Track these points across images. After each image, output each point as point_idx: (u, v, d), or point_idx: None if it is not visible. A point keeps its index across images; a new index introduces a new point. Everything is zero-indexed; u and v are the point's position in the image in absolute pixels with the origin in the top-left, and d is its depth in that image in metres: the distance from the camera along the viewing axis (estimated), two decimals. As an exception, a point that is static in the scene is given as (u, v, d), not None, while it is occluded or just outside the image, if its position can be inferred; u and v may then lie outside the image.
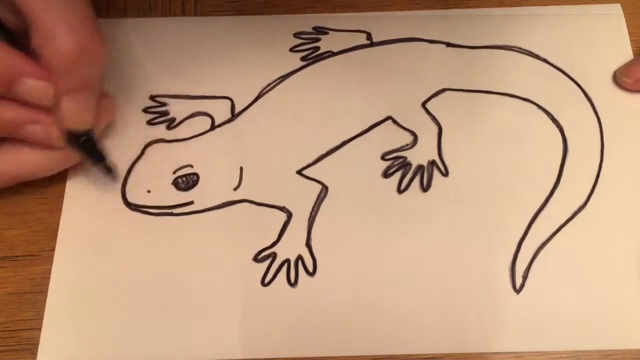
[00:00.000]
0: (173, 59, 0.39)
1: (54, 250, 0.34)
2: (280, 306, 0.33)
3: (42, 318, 0.33)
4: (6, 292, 0.34)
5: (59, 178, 0.36)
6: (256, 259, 0.34)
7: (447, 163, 0.36)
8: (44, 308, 0.33)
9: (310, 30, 0.40)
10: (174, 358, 0.32)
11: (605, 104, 0.37)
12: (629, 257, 0.34)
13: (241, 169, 0.36)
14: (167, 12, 0.41)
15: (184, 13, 0.41)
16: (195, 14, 0.41)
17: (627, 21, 0.40)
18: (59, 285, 0.33)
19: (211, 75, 0.39)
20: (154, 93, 0.38)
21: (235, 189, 0.35)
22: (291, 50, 0.39)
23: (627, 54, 0.39)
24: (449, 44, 0.39)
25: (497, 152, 0.36)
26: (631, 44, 0.39)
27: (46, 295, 0.33)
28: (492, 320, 0.32)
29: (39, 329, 0.33)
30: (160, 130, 0.37)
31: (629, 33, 0.40)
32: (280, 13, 0.41)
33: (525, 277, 0.33)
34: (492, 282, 0.33)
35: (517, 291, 0.33)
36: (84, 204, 0.35)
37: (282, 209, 0.35)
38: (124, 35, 0.40)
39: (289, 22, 0.40)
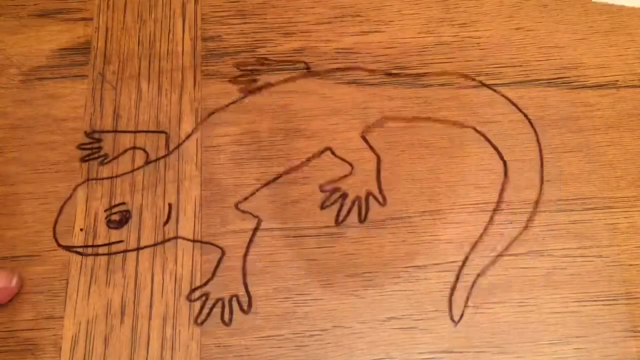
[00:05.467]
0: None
1: (54, 250, 0.35)
2: (216, 344, 0.33)
3: (42, 319, 0.33)
4: (6, 292, 0.34)
5: (60, 179, 0.36)
6: (189, 297, 0.34)
7: (386, 192, 0.36)
8: (44, 308, 0.33)
9: (251, 59, 0.39)
10: None
11: (547, 135, 0.37)
12: (567, 281, 0.34)
13: (170, 205, 0.35)
14: (167, 11, 0.41)
15: (184, 12, 0.41)
16: (196, 14, 0.41)
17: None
18: None
19: (146, 110, 0.38)
20: (89, 129, 0.38)
21: (165, 224, 0.35)
22: (231, 81, 0.39)
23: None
24: (389, 73, 0.39)
25: (437, 179, 0.36)
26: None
27: (46, 296, 0.34)
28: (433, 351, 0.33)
29: (39, 329, 0.33)
30: (94, 167, 0.37)
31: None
32: (279, 13, 0.41)
33: (464, 306, 0.33)
34: (426, 313, 0.33)
35: (456, 322, 0.33)
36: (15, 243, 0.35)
37: (214, 245, 0.35)
38: None
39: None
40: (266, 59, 0.39)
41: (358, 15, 0.41)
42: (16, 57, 0.39)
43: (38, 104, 0.38)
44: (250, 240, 0.35)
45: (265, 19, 0.41)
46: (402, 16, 0.41)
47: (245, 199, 0.36)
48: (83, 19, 0.40)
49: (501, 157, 0.37)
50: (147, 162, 0.37)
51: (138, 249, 0.35)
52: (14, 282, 0.33)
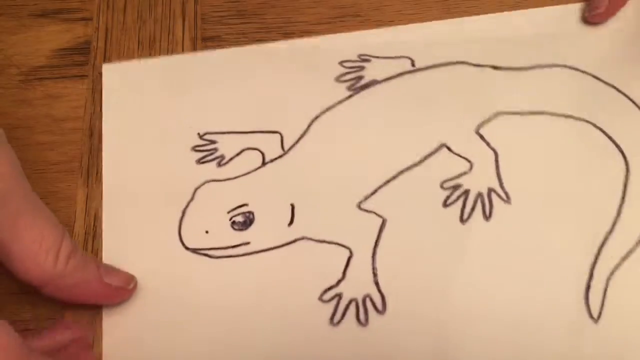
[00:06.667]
0: (218, 95, 0.38)
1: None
2: (352, 347, 0.32)
3: (42, 319, 0.33)
4: (6, 292, 0.34)
5: (60, 179, 0.36)
6: (321, 298, 0.33)
7: (507, 189, 0.35)
8: (45, 308, 0.33)
9: (355, 58, 0.39)
10: None
11: None
12: None
13: (292, 205, 0.34)
14: (167, 11, 0.41)
15: (184, 12, 0.41)
16: (196, 14, 0.41)
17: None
18: (112, 333, 0.32)
19: (258, 109, 0.38)
20: (202, 131, 0.37)
21: (289, 225, 0.34)
22: (337, 79, 0.38)
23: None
24: (496, 67, 0.38)
25: (557, 174, 0.35)
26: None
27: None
28: (572, 352, 0.31)
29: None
30: (211, 168, 0.36)
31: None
32: (279, 13, 0.41)
33: (602, 303, 0.32)
34: (568, 311, 0.32)
35: (596, 320, 0.32)
36: (141, 248, 0.34)
37: (341, 245, 0.34)
38: (162, 74, 0.39)
39: (333, 49, 0.39)
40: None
41: (358, 15, 0.41)
42: (16, 57, 0.40)
43: (38, 104, 0.38)
44: (377, 239, 0.34)
45: (265, 19, 0.41)
46: (402, 16, 0.41)
47: (366, 198, 0.35)
48: (83, 19, 0.41)
49: (620, 151, 0.36)
50: (264, 163, 0.36)
51: (263, 250, 0.34)
52: (132, 284, 0.33)
